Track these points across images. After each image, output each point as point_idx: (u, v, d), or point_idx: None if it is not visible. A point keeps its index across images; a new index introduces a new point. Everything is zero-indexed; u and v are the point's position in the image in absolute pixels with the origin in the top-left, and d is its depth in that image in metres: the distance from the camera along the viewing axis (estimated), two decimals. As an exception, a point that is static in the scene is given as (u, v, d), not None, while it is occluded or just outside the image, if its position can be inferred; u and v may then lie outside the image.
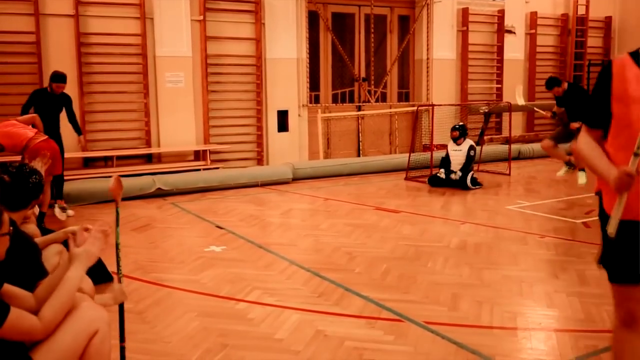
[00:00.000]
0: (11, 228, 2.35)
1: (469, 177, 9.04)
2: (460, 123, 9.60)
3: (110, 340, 2.58)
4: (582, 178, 8.16)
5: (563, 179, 9.78)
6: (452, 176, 9.06)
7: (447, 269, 5.16)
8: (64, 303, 2.42)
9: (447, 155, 9.36)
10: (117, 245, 3.09)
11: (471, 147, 9.17)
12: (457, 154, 9.23)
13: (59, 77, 7.50)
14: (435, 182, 9.28)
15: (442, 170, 9.31)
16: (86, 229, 3.05)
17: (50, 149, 6.47)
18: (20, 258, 2.58)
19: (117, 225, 3.10)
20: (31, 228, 3.72)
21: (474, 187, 9.04)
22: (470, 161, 9.14)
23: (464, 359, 3.45)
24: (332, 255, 5.63)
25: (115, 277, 3.46)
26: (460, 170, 9.08)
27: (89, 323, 2.48)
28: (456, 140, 9.30)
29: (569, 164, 8.46)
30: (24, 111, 7.52)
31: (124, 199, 7.61)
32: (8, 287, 2.35)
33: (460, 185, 9.02)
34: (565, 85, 8.22)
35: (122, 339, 3.03)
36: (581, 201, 7.65)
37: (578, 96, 8.02)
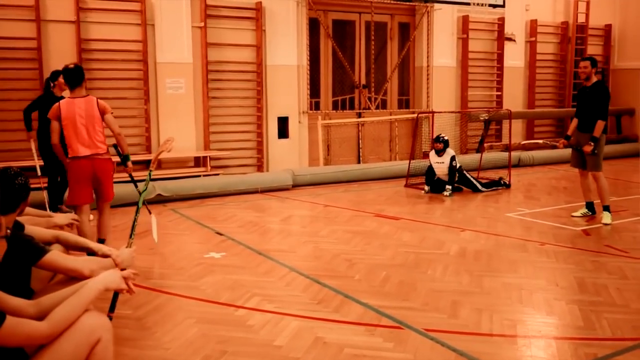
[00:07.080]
0: (9, 231, 2.34)
1: (476, 183, 9.24)
2: (443, 134, 9.50)
3: (113, 348, 2.58)
4: (606, 218, 7.10)
5: (563, 187, 9.81)
6: (445, 194, 9.06)
7: (446, 276, 5.16)
8: (75, 310, 2.42)
9: (431, 166, 9.39)
10: (137, 209, 3.16)
11: (452, 158, 9.16)
12: (441, 166, 9.24)
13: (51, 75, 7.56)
14: (435, 189, 9.30)
15: (427, 187, 9.36)
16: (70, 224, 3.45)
17: None
18: (17, 261, 2.57)
19: (145, 188, 3.33)
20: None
21: (488, 190, 9.22)
22: (453, 171, 9.13)
23: (464, 366, 3.45)
24: (332, 262, 5.62)
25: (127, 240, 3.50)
26: (448, 184, 9.11)
27: (91, 332, 2.46)
28: (439, 152, 9.30)
29: (589, 206, 7.48)
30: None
31: (124, 205, 7.65)
32: (3, 295, 2.34)
33: (471, 187, 9.26)
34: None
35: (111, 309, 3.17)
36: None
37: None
